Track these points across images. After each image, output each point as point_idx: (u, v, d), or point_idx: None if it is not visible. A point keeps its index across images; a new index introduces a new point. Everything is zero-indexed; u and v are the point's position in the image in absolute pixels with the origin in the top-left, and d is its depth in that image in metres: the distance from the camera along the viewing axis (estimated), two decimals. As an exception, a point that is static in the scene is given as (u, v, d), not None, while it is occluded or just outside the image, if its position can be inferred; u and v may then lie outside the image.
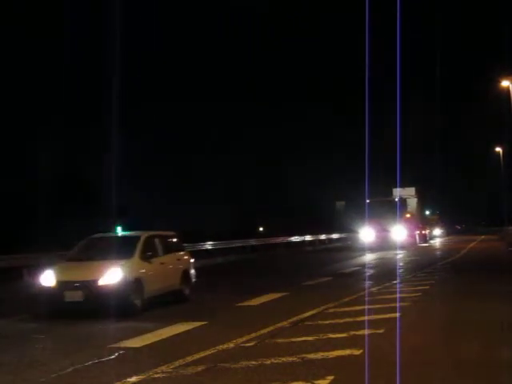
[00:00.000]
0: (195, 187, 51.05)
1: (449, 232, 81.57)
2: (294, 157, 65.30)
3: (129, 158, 44.80)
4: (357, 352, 7.63)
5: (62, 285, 11.45)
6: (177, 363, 7.31)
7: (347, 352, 7.65)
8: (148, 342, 8.88)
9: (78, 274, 11.77)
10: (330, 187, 57.51)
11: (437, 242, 52.52)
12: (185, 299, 13.72)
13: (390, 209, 41.42)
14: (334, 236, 52.38)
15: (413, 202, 45.52)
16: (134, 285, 11.72)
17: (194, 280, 14.57)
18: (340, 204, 58.37)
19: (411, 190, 46.03)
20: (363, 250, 36.12)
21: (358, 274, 20.46)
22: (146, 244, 12.80)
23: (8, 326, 11.13)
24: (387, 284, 16.03)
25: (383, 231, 40.60)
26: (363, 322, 9.75)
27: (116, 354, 8.09)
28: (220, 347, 8.20)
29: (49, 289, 11.56)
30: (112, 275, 11.43)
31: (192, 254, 15.92)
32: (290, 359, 7.35)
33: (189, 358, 7.55)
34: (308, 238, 47.15)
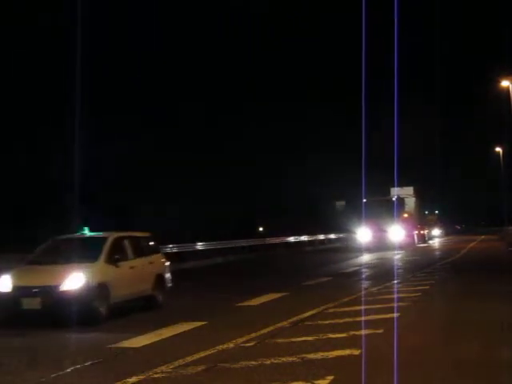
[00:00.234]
0: (195, 187, 50.97)
1: (448, 232, 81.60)
2: (294, 157, 65.22)
3: (129, 158, 44.76)
4: (356, 352, 7.63)
5: (19, 290, 10.61)
6: (176, 363, 7.31)
7: (347, 352, 7.65)
8: (148, 342, 8.87)
9: (37, 278, 10.90)
10: (330, 187, 57.48)
11: (436, 243, 52.46)
12: (157, 305, 12.81)
13: (387, 208, 40.72)
14: (334, 236, 52.36)
15: (411, 202, 45.16)
16: (99, 291, 10.87)
17: (169, 285, 13.62)
18: (340, 204, 58.35)
19: (409, 190, 45.73)
20: (360, 250, 35.68)
21: (357, 274, 20.48)
22: (113, 246, 11.90)
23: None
24: (387, 284, 16.04)
25: (380, 231, 40.00)
26: (363, 322, 9.76)
27: (115, 354, 8.09)
28: (220, 347, 8.19)
29: (4, 295, 10.68)
30: (74, 280, 10.60)
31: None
32: (290, 359, 7.35)
33: (188, 358, 7.55)
34: (308, 238, 47.13)
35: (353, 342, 8.29)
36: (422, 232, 49.04)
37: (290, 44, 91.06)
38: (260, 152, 61.03)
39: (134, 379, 6.68)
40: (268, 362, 7.23)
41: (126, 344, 8.78)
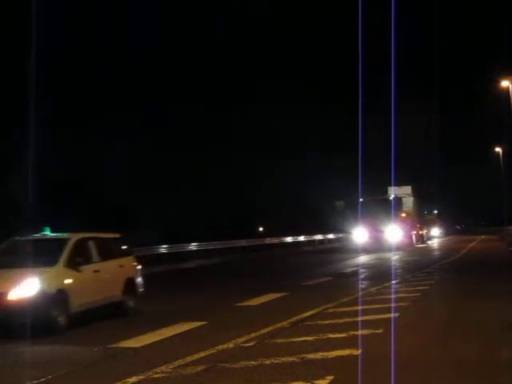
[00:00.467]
0: (195, 187, 51.01)
1: (448, 232, 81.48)
2: (293, 157, 65.26)
3: (128, 157, 44.76)
4: (356, 352, 7.62)
5: None
6: (176, 363, 7.31)
7: (347, 352, 7.65)
8: (147, 342, 8.87)
9: None
10: (330, 187, 57.48)
11: (435, 243, 52.03)
12: (127, 312, 11.90)
13: (384, 208, 39.34)
14: (334, 236, 52.36)
15: (409, 201, 44.00)
16: (57, 298, 9.91)
17: (140, 290, 12.71)
18: (339, 204, 58.29)
19: (407, 189, 44.58)
20: (357, 251, 35.04)
21: (357, 274, 20.46)
22: (75, 248, 10.86)
23: None
24: (386, 284, 16.03)
25: (376, 231, 38.68)
26: (363, 322, 9.75)
27: (115, 354, 8.08)
28: (220, 347, 8.19)
29: None
30: (27, 287, 9.59)
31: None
32: (290, 359, 7.34)
33: (188, 358, 7.54)
34: (307, 238, 47.15)
35: (352, 341, 8.28)
36: (420, 232, 48.22)
37: (290, 44, 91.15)
38: (260, 152, 61.10)
39: (133, 379, 6.67)
40: (268, 362, 7.23)
41: (126, 344, 8.77)
